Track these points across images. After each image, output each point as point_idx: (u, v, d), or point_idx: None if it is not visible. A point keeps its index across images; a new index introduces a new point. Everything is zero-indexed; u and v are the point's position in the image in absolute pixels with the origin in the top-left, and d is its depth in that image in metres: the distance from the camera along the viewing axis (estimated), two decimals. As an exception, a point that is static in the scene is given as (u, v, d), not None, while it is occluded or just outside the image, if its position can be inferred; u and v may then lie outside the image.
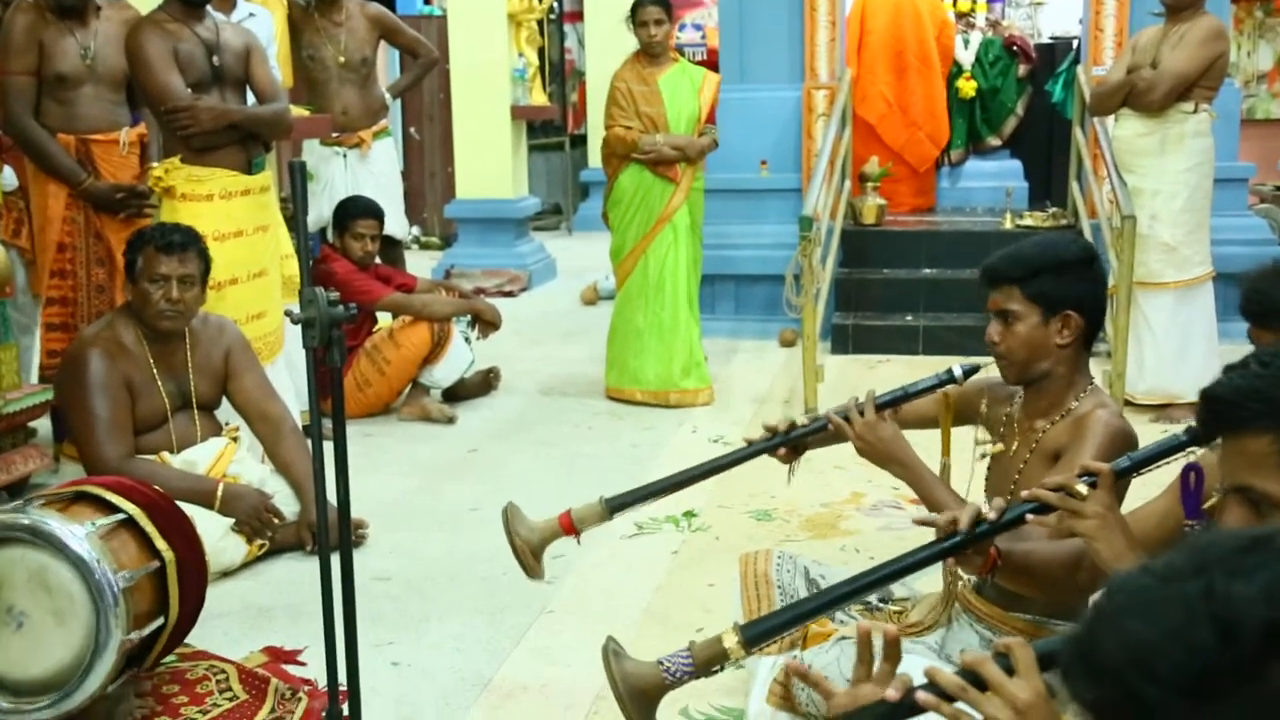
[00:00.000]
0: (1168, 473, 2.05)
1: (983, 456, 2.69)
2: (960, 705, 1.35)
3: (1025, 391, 2.59)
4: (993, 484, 2.64)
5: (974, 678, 1.35)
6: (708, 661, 2.26)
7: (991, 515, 1.96)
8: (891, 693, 1.42)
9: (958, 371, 2.63)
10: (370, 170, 6.48)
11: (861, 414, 2.57)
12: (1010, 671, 1.33)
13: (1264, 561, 0.88)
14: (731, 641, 2.20)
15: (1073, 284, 2.49)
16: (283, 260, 4.92)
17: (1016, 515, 1.96)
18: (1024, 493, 1.99)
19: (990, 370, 2.62)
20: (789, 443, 2.72)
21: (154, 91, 4.41)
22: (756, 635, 2.22)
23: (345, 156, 6.44)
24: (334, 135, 6.29)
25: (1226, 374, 1.49)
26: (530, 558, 2.89)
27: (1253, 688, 0.84)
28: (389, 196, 6.47)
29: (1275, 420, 1.42)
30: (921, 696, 1.38)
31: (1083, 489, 1.91)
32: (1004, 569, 2.08)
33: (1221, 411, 1.48)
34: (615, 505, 2.82)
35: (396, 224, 6.63)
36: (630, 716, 2.40)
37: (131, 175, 4.83)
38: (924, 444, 2.62)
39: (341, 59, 6.31)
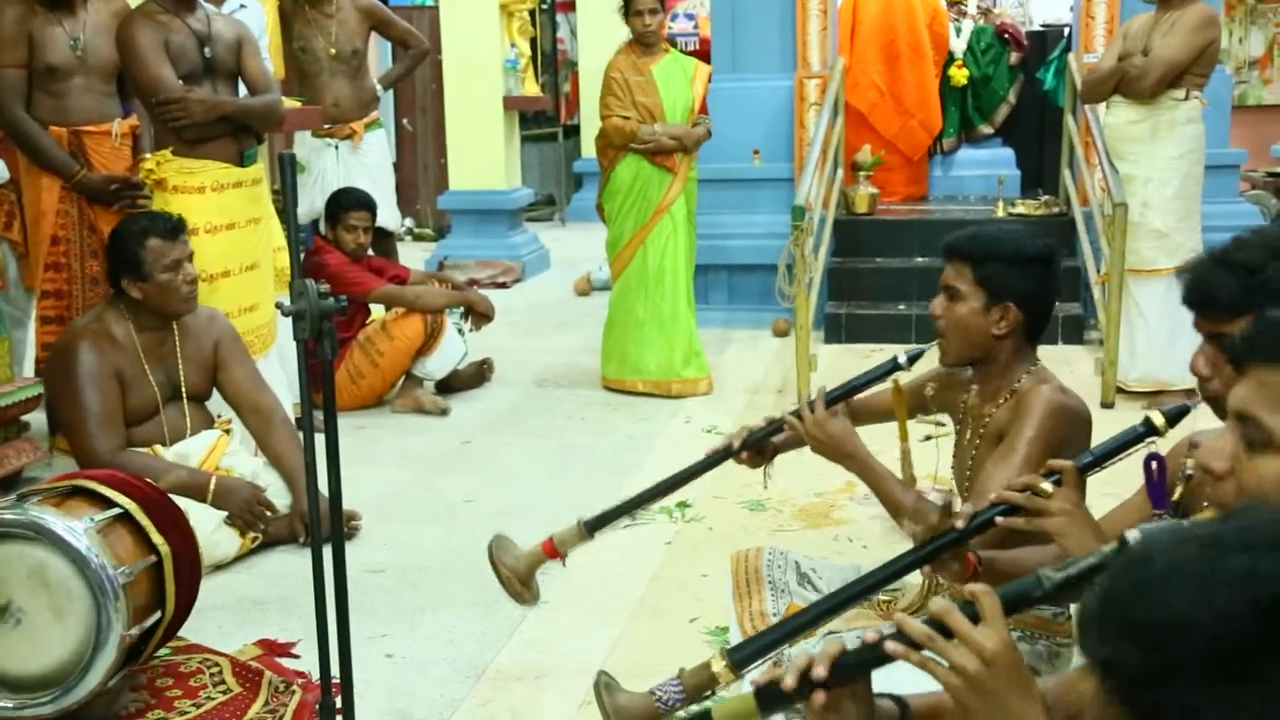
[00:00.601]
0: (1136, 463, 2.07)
1: (925, 438, 2.77)
2: (928, 653, 1.36)
3: (975, 378, 2.60)
4: (956, 474, 2.68)
5: (942, 627, 1.36)
6: (698, 688, 2.28)
7: (960, 524, 1.97)
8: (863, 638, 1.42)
9: (902, 359, 2.65)
10: (362, 162, 6.47)
11: (812, 410, 2.58)
12: (976, 620, 1.35)
13: None
14: (719, 666, 2.23)
15: (1022, 278, 2.50)
16: (275, 253, 4.91)
17: (985, 520, 1.97)
18: (991, 495, 2.00)
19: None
20: (749, 448, 2.73)
21: (145, 83, 4.40)
22: (744, 659, 2.23)
23: (337, 148, 6.43)
24: (325, 127, 6.28)
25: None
26: (518, 585, 2.96)
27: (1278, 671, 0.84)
28: (381, 188, 6.46)
29: (1253, 301, 1.39)
30: (890, 646, 1.39)
31: (1047, 487, 1.93)
32: (987, 576, 2.10)
33: (1268, 341, 1.43)
34: (593, 525, 2.87)
35: (389, 216, 6.62)
36: None
37: (124, 167, 4.81)
38: (884, 433, 2.67)
39: (332, 50, 6.30)
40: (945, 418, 2.79)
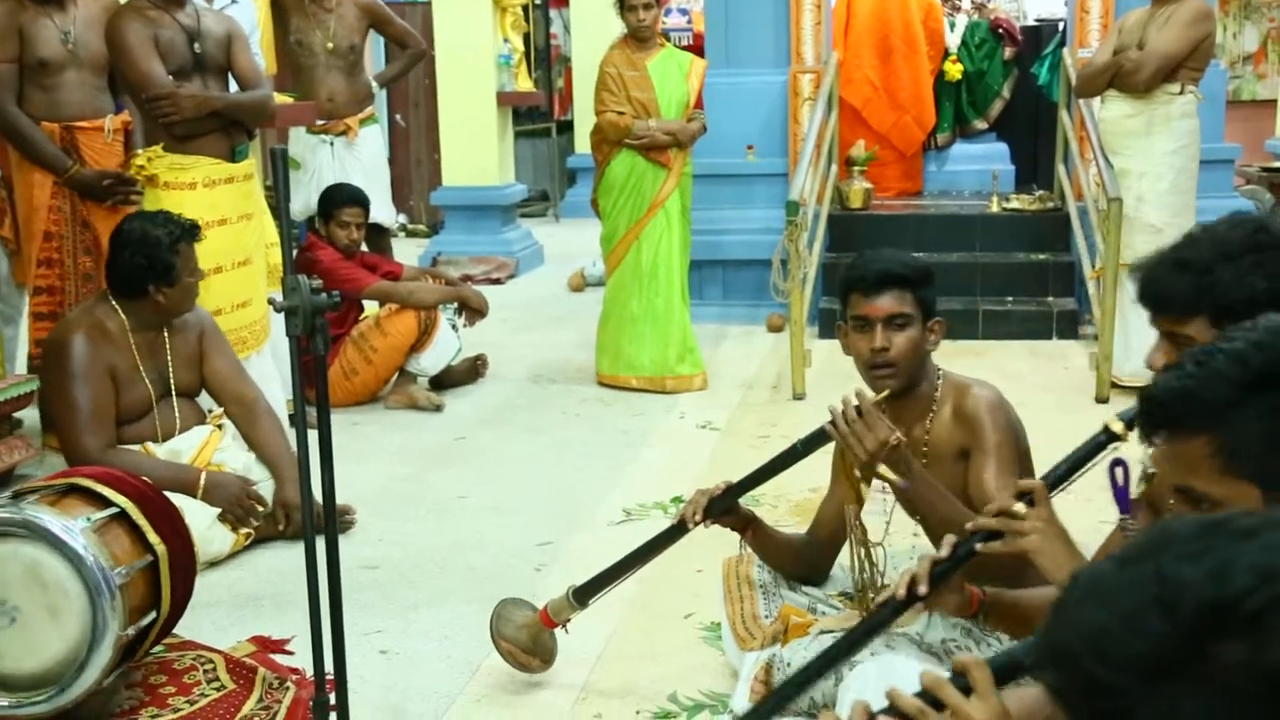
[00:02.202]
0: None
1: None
2: None
3: (890, 411, 2.53)
4: (909, 507, 2.64)
5: (933, 699, 1.35)
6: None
7: (945, 553, 1.97)
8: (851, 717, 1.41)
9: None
10: (357, 157, 6.46)
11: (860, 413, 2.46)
12: (968, 691, 1.34)
13: (1215, 545, 0.89)
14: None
15: (934, 293, 2.66)
16: (268, 249, 4.90)
17: (966, 551, 1.98)
18: (968, 525, 2.01)
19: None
20: (712, 516, 2.74)
21: (135, 79, 4.38)
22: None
23: (332, 144, 6.42)
24: (320, 123, 6.26)
25: (1163, 375, 1.49)
26: (522, 657, 2.99)
27: (1201, 668, 0.84)
28: (376, 184, 6.45)
29: (1210, 422, 1.40)
30: None
31: (1020, 508, 1.94)
32: (994, 614, 2.11)
33: (1158, 413, 1.46)
34: (581, 594, 2.92)
35: (384, 211, 6.62)
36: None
37: (117, 162, 4.80)
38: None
39: (330, 45, 6.28)
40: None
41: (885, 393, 2.51)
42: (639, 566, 2.92)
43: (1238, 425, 1.38)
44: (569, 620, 2.98)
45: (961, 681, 1.34)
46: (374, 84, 6.65)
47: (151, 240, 3.82)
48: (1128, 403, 2.11)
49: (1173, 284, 1.89)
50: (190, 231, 3.89)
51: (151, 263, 3.81)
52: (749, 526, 2.82)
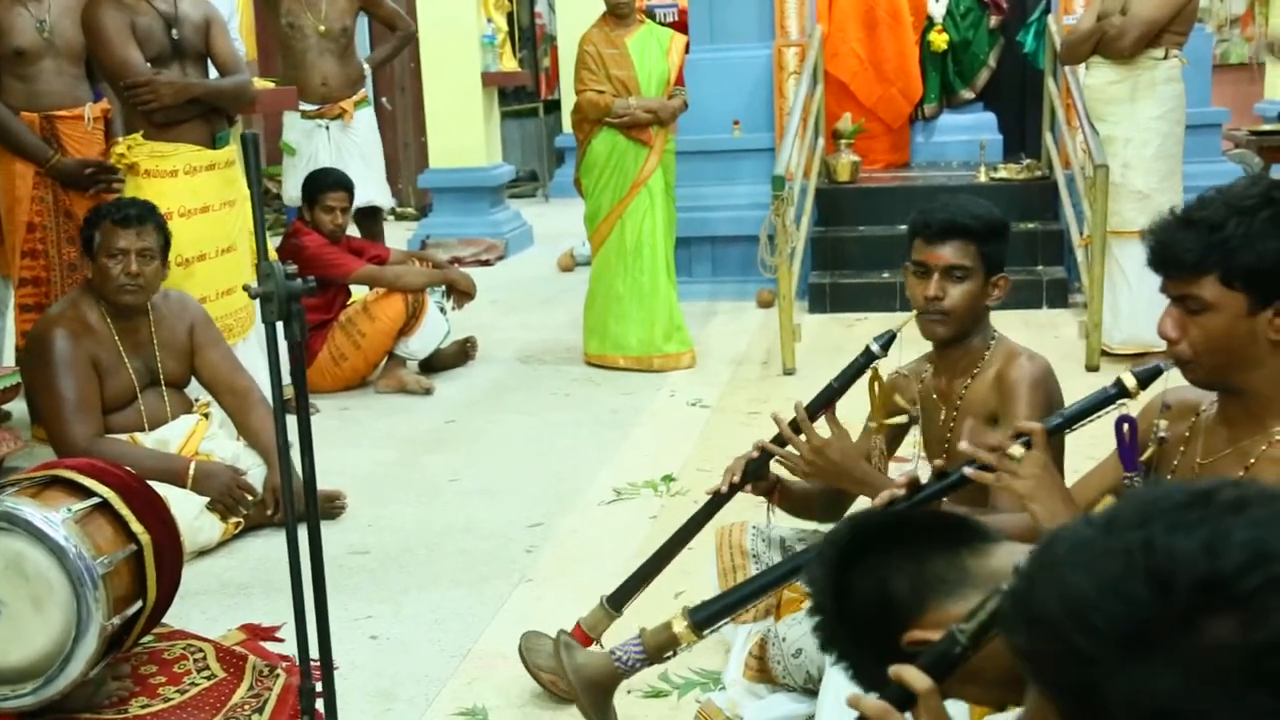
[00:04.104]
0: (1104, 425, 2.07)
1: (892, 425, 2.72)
2: None
3: (937, 358, 2.58)
4: (931, 454, 2.65)
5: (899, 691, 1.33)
6: (659, 648, 2.26)
7: (901, 493, 1.97)
8: None
9: (875, 347, 2.63)
10: (354, 140, 6.44)
11: (797, 431, 2.50)
12: (908, 700, 1.31)
13: (1207, 516, 0.87)
14: (681, 627, 2.21)
15: (1005, 248, 2.56)
16: (252, 235, 4.87)
17: (955, 475, 1.97)
18: (961, 445, 1.99)
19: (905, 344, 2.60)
20: (750, 480, 2.71)
21: (113, 67, 4.35)
22: (705, 619, 2.22)
23: (328, 128, 6.39)
24: (315, 108, 6.23)
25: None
26: (565, 683, 2.83)
27: (1187, 641, 0.83)
28: (372, 166, 6.45)
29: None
30: None
31: (1018, 450, 1.93)
32: None
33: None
34: (616, 600, 2.85)
35: (379, 193, 6.62)
36: (585, 708, 2.40)
37: (97, 151, 4.77)
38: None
39: (322, 28, 6.25)
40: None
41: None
42: (671, 558, 2.86)
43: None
44: (604, 631, 2.89)
45: (900, 692, 1.32)
46: (365, 66, 6.62)
47: (90, 213, 3.88)
48: (1118, 371, 2.10)
49: (1181, 241, 1.84)
50: (125, 215, 3.80)
51: (82, 232, 3.85)
52: (774, 489, 2.80)
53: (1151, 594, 0.84)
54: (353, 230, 6.24)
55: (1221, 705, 0.82)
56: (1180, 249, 1.82)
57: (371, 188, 6.51)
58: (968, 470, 1.97)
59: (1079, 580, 0.87)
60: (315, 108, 6.24)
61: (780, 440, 2.57)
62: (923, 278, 2.57)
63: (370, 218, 6.54)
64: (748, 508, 3.99)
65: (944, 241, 2.54)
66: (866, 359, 2.64)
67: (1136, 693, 0.84)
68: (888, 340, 2.63)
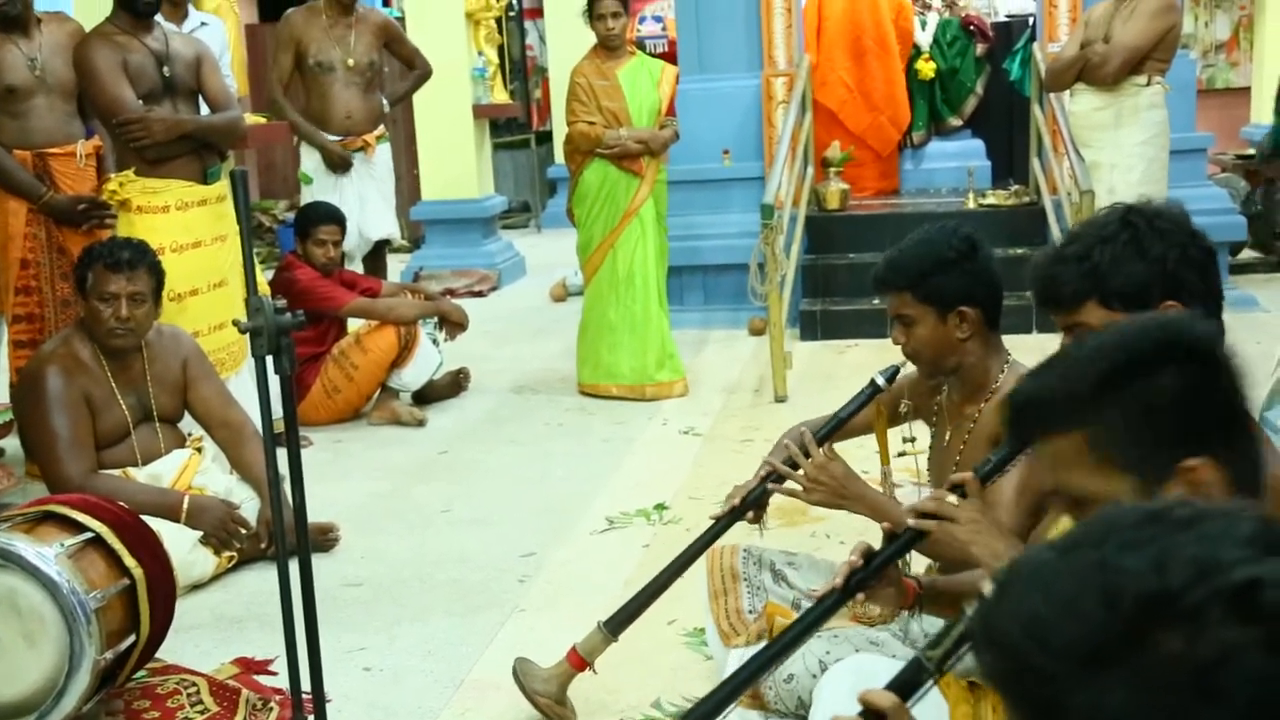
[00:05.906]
0: None
1: (900, 455, 2.77)
2: None
3: (949, 380, 2.62)
4: (934, 475, 2.68)
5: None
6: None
7: (859, 563, 2.01)
8: None
9: (880, 381, 2.67)
10: (373, 174, 6.48)
11: (807, 455, 2.53)
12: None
13: (1159, 534, 0.89)
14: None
15: (958, 279, 2.49)
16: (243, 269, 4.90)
17: (906, 535, 2.01)
18: (907, 520, 2.03)
19: (910, 367, 2.67)
20: (750, 508, 2.75)
21: (105, 104, 4.39)
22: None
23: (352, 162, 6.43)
24: (339, 139, 6.27)
25: (1028, 379, 1.51)
26: (558, 708, 2.90)
27: (1138, 657, 0.85)
28: (386, 199, 6.52)
29: (1078, 418, 1.40)
30: None
31: (954, 500, 1.98)
32: (928, 601, 2.14)
33: (1026, 418, 1.48)
34: (614, 625, 2.89)
35: (390, 226, 6.66)
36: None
37: (90, 188, 4.80)
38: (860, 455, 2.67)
39: (350, 62, 6.28)
40: (919, 428, 2.79)
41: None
42: (669, 585, 2.89)
43: (1106, 419, 1.38)
44: (593, 661, 2.92)
45: (873, 717, 1.35)
46: (385, 102, 6.67)
47: (84, 253, 3.90)
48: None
49: (1058, 276, 1.95)
50: (118, 259, 3.78)
51: (76, 271, 3.88)
52: (763, 513, 2.84)
53: (1104, 612, 0.86)
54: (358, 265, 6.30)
55: (1174, 719, 0.83)
56: (1058, 284, 1.92)
57: (387, 222, 6.55)
58: (910, 521, 2.01)
59: (1036, 602, 0.90)
60: (338, 138, 6.28)
61: (789, 464, 2.61)
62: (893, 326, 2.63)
63: (376, 251, 6.58)
64: (741, 533, 4.02)
65: (882, 294, 2.59)
66: (872, 392, 2.68)
67: (1095, 708, 0.86)
68: (892, 374, 2.66)
